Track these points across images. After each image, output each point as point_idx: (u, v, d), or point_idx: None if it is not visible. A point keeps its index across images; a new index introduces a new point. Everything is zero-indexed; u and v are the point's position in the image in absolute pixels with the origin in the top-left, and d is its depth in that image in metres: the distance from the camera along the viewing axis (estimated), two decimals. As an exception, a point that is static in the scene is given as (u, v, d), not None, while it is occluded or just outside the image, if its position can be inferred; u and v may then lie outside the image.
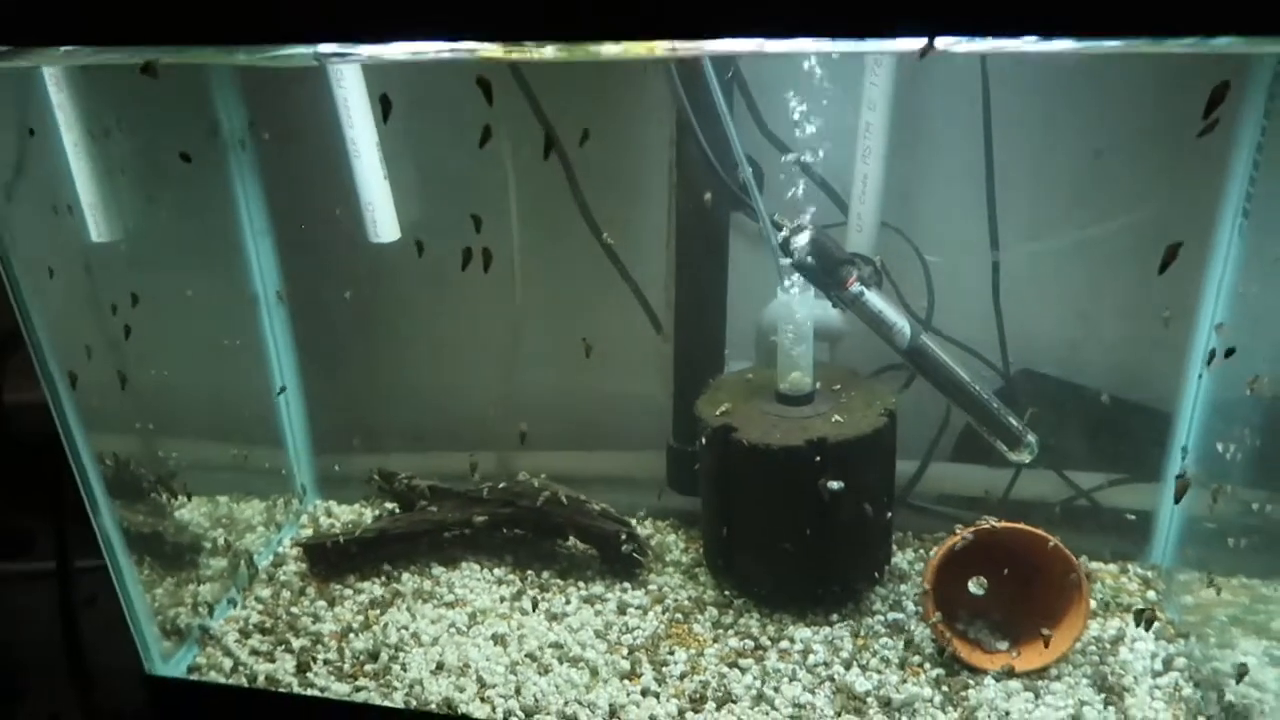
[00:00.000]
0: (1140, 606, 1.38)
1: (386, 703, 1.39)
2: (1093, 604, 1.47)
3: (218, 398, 1.66)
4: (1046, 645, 1.33)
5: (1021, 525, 1.36)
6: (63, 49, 1.05)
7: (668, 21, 0.85)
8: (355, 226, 1.55)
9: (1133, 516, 1.55)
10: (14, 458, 1.81)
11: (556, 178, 1.54)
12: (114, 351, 1.42)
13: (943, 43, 0.85)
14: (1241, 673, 1.18)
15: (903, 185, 1.50)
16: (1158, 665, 1.36)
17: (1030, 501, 1.58)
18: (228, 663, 1.48)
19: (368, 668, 1.45)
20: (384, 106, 1.11)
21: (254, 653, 1.50)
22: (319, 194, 1.56)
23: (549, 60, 1.04)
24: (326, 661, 1.47)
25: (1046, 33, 0.83)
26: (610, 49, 0.99)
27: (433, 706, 1.38)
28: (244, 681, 1.45)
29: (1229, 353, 1.21)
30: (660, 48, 0.98)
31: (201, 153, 1.55)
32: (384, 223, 1.55)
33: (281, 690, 1.43)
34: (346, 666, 1.46)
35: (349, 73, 1.42)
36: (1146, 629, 1.36)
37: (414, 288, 1.70)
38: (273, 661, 1.48)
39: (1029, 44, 0.84)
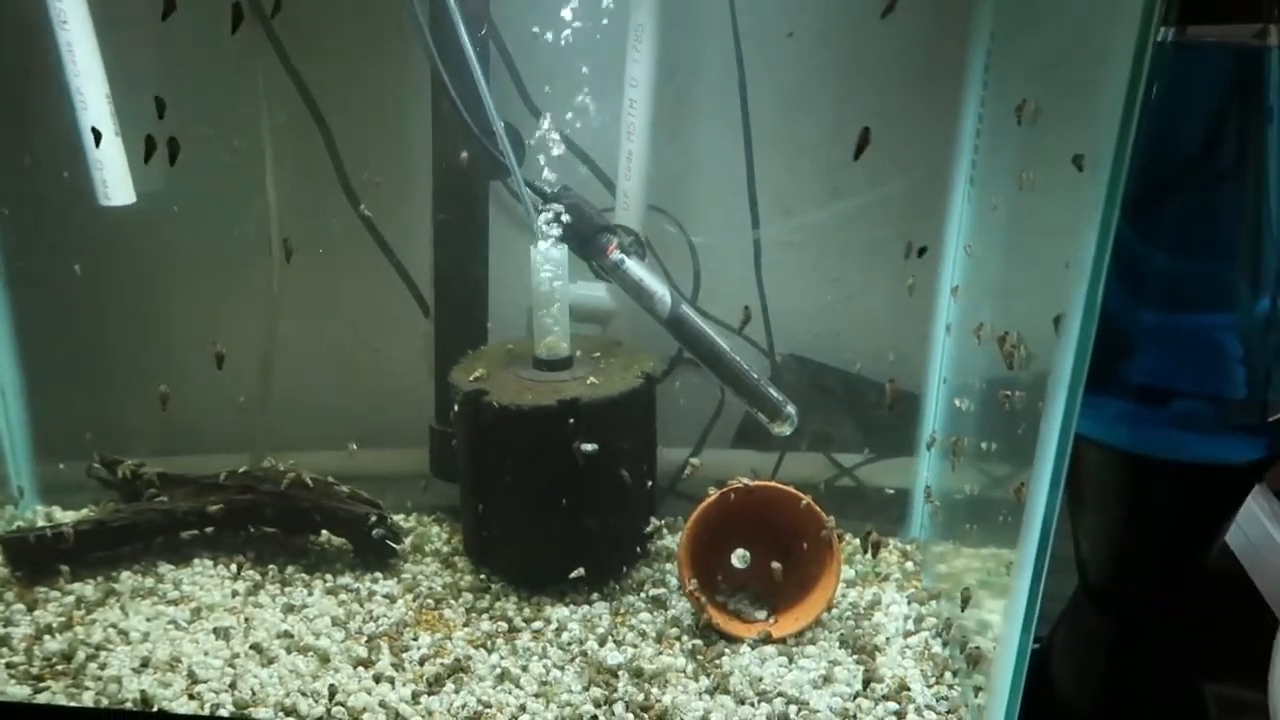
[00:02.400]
0: (866, 531, 1.37)
1: (72, 703, 1.21)
2: (850, 573, 1.45)
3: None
4: (778, 580, 1.31)
5: (773, 483, 1.34)
6: None
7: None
8: (85, 190, 1.43)
9: (891, 493, 1.56)
10: None
11: (316, 149, 1.49)
12: None
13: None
14: (966, 598, 1.18)
15: (669, 166, 1.51)
16: (909, 626, 1.35)
17: (798, 482, 1.57)
18: (-115, 673, 1.27)
19: (58, 668, 1.27)
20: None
21: (-77, 662, 1.29)
22: (43, 153, 1.44)
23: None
24: (9, 665, 1.27)
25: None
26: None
27: (128, 704, 1.21)
28: (-100, 693, 1.24)
29: (921, 251, 1.29)
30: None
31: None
32: (116, 184, 1.43)
33: (-54, 699, 1.23)
34: (34, 669, 1.26)
35: (74, 11, 1.33)
36: (873, 554, 1.37)
37: (156, 264, 1.57)
38: (-58, 669, 1.27)
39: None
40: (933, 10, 1.38)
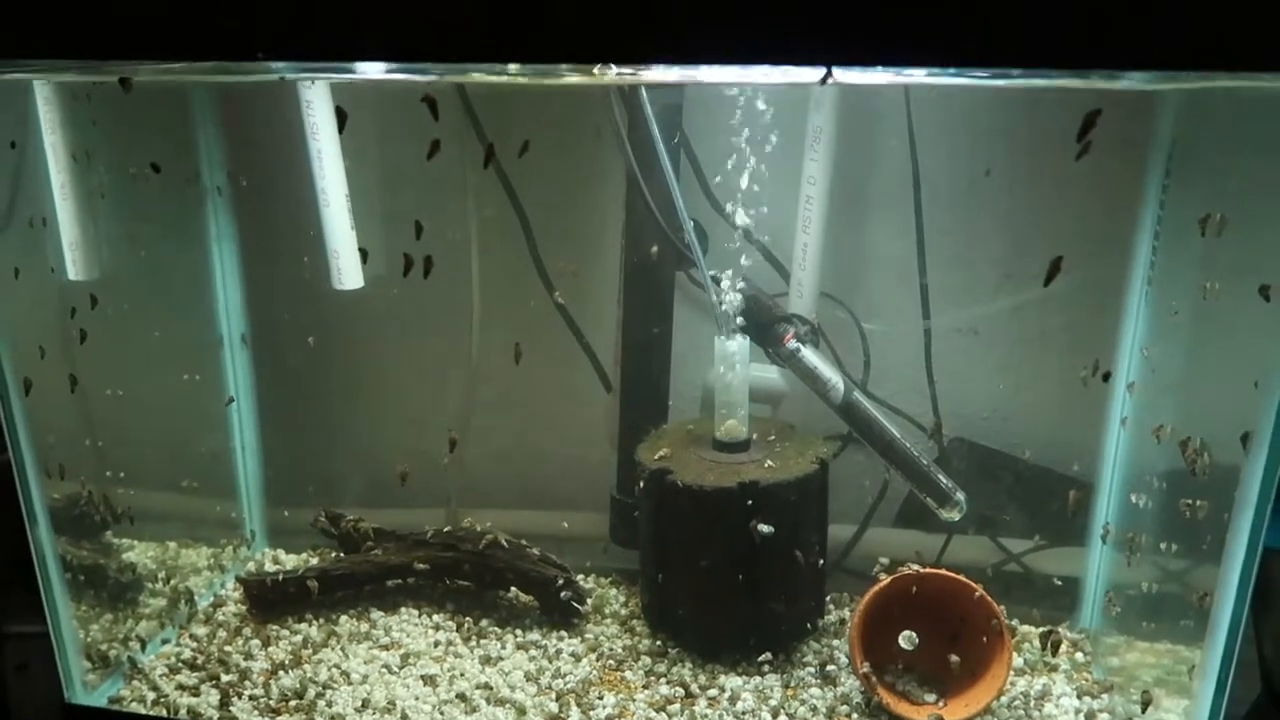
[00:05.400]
0: (1047, 630, 1.40)
1: (307, 737, 1.38)
2: (1019, 661, 1.48)
3: (174, 439, 1.70)
4: (955, 671, 1.36)
5: (945, 571, 1.38)
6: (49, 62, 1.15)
7: (598, 47, 0.95)
8: (321, 274, 1.62)
9: (1059, 582, 1.57)
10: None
11: (516, 241, 1.64)
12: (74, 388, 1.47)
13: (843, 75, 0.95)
14: (1146, 702, 1.19)
15: (841, 255, 1.59)
16: (1081, 720, 1.37)
17: (963, 566, 1.60)
18: (151, 695, 1.46)
19: (292, 703, 1.43)
20: (340, 119, 1.21)
21: (180, 687, 1.48)
22: (288, 241, 1.65)
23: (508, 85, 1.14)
24: (252, 697, 1.45)
25: (948, 63, 0.92)
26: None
27: (354, 742, 1.37)
28: (164, 713, 1.43)
29: (1106, 376, 1.33)
30: (598, 72, 1.08)
31: (181, 196, 1.64)
32: (348, 270, 1.62)
33: (201, 723, 1.42)
34: (272, 702, 1.44)
35: (323, 126, 1.53)
36: (1053, 653, 1.38)
37: (374, 339, 1.76)
38: (197, 695, 1.46)
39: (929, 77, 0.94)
40: (1112, 110, 1.41)
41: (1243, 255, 1.11)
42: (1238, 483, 1.05)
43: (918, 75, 1.02)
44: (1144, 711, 1.21)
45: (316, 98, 1.52)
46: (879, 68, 0.95)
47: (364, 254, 1.51)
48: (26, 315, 1.37)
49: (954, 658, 1.35)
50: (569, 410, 1.76)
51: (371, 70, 1.13)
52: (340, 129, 1.24)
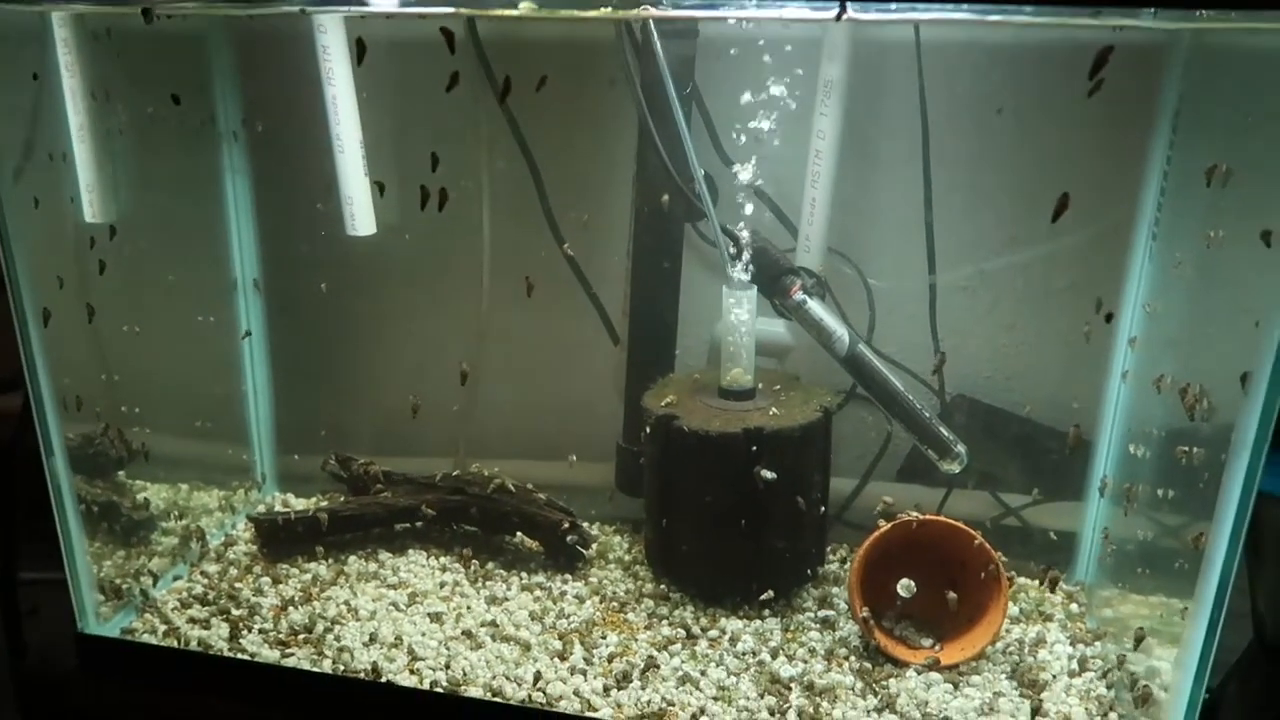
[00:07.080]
0: (1045, 567, 1.44)
1: (314, 669, 1.40)
2: (1015, 610, 1.50)
3: (187, 380, 1.72)
4: (952, 609, 1.38)
5: (944, 518, 1.41)
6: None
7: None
8: (334, 220, 1.64)
9: (1056, 536, 1.60)
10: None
11: (527, 193, 1.66)
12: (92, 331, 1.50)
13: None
14: (1140, 638, 1.22)
15: (849, 210, 1.61)
16: (1074, 666, 1.39)
17: (963, 520, 1.62)
18: (163, 627, 1.50)
19: (301, 637, 1.46)
20: (359, 50, 1.22)
21: (191, 620, 1.51)
22: (302, 187, 1.67)
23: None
24: (261, 631, 1.48)
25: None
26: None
27: (360, 674, 1.39)
28: (174, 644, 1.46)
29: (1108, 317, 1.37)
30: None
31: (197, 141, 1.66)
32: (361, 217, 1.64)
33: (211, 653, 1.44)
34: (281, 635, 1.47)
35: (339, 71, 1.54)
36: (1051, 589, 1.41)
37: (386, 286, 1.78)
38: (208, 628, 1.49)
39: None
40: (1121, 68, 1.42)
41: (1246, 202, 1.12)
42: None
43: (931, 11, 1.03)
44: (1136, 648, 1.24)
45: (332, 43, 1.53)
46: (892, 5, 0.96)
47: (380, 187, 1.52)
48: (45, 247, 1.39)
49: (951, 595, 1.38)
50: (577, 361, 1.78)
51: (385, 4, 1.14)
52: (359, 60, 1.25)
